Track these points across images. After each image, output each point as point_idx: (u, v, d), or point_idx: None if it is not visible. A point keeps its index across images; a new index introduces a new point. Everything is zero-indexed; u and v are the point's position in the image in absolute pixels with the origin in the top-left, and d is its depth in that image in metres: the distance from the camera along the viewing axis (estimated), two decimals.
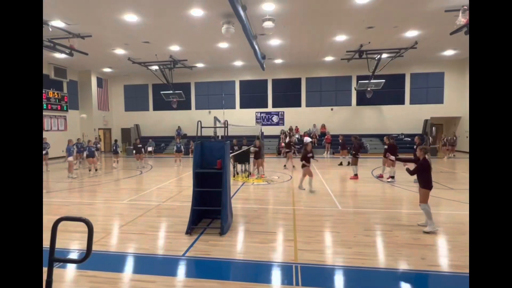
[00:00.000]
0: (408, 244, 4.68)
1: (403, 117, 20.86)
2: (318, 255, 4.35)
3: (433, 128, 16.45)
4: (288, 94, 22.18)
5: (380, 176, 10.68)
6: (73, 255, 4.45)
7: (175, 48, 15.61)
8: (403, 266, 4.00)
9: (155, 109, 23.79)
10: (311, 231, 5.35)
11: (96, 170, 12.84)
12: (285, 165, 13.62)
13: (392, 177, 10.00)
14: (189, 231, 5.19)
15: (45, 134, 16.32)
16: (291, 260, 4.18)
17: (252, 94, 22.57)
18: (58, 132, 19.43)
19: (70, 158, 11.82)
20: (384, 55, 16.44)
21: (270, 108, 22.55)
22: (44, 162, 13.34)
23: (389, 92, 20.67)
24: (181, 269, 4.07)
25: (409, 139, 19.57)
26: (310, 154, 8.50)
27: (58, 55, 15.54)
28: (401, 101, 21.07)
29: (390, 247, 4.61)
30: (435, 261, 4.16)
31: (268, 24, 11.03)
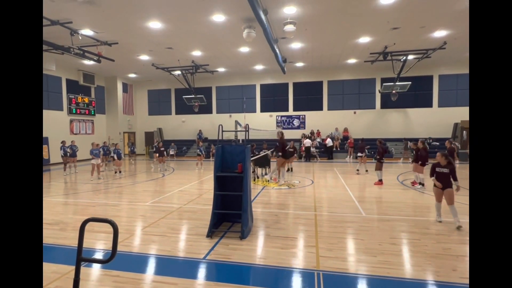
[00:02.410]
0: (438, 254, 4.43)
1: (431, 121, 20.06)
2: (341, 262, 4.21)
3: (464, 132, 15.67)
4: (309, 97, 21.98)
5: (414, 183, 10.02)
6: (98, 255, 4.58)
7: (197, 53, 15.92)
8: (432, 277, 3.79)
9: (177, 113, 24.33)
10: (333, 237, 5.20)
11: (119, 172, 13.28)
12: (358, 170, 12.92)
13: (422, 184, 9.51)
14: (209, 234, 5.20)
15: (73, 137, 17.13)
16: (313, 267, 4.07)
17: (273, 98, 22.57)
18: (85, 136, 20.34)
19: (94, 161, 11.99)
20: (410, 57, 15.89)
21: (291, 112, 22.42)
22: (73, 164, 13.97)
23: (416, 94, 19.99)
24: (202, 272, 4.07)
25: (438, 143, 18.75)
26: (445, 170, 5.71)
27: (87, 62, 16.31)
28: (428, 104, 20.28)
29: (418, 256, 4.39)
30: (468, 273, 3.90)
31: (289, 27, 10.98)
